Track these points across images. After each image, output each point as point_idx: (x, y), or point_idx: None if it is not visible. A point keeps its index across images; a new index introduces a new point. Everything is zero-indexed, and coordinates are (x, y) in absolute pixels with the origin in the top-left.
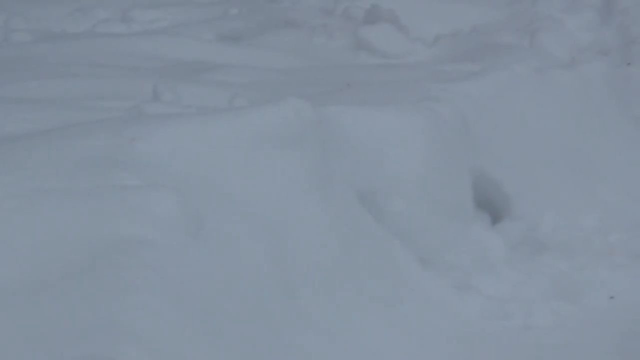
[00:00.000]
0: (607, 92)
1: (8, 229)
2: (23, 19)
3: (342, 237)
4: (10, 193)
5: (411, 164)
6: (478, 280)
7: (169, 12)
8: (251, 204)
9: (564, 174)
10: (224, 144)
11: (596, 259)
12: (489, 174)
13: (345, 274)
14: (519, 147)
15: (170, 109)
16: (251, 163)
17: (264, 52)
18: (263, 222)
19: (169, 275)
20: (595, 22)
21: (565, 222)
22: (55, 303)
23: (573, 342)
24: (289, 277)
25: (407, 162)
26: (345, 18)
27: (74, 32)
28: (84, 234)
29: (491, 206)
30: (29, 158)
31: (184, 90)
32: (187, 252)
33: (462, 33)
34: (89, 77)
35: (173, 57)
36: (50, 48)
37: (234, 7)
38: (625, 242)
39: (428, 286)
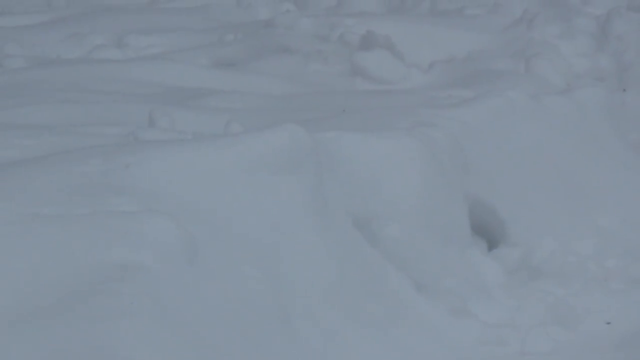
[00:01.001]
0: (603, 118)
1: (4, 255)
2: (18, 45)
3: (338, 262)
4: (6, 219)
5: (407, 190)
6: (474, 305)
7: (164, 38)
8: (247, 229)
9: (560, 199)
10: (220, 169)
11: (592, 285)
12: (485, 200)
13: (340, 299)
14: (515, 173)
15: (166, 135)
16: (247, 189)
17: (259, 78)
18: (258, 248)
19: (164, 300)
20: (591, 48)
21: (561, 248)
22: (51, 329)
23: None
24: (284, 302)
25: (403, 188)
26: (341, 44)
27: (69, 58)
28: (79, 260)
29: (487, 232)
30: (25, 184)
31: (180, 116)
32: (182, 278)
33: (457, 59)
34: (84, 103)
35: (168, 83)
36: (45, 74)
37: (229, 33)
38: (621, 267)
39: (423, 311)
